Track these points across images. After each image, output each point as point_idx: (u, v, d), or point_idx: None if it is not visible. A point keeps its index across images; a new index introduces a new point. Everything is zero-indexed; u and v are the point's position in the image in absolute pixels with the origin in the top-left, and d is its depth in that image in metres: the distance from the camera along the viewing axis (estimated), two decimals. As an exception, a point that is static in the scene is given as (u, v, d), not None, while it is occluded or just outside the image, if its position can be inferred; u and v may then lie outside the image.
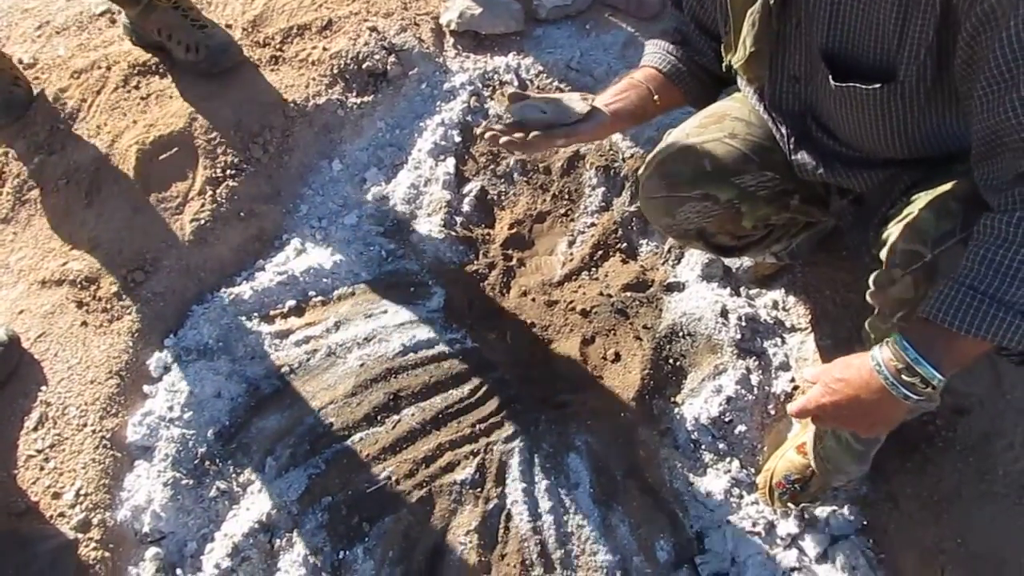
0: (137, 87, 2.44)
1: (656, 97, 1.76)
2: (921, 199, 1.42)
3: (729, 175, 1.74)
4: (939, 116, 1.40)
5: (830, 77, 1.42)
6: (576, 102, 1.61)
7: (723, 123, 1.78)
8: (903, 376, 1.30)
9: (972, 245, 1.23)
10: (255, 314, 2.17)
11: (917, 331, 1.29)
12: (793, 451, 1.96)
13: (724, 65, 1.64)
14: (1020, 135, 1.16)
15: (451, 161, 2.46)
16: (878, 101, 1.40)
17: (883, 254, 1.45)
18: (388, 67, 2.55)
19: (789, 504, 1.96)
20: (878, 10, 1.31)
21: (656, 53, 1.81)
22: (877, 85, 1.37)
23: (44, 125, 2.43)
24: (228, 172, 2.32)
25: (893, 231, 1.44)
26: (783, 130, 1.64)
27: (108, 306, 2.14)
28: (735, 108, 1.81)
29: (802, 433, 1.98)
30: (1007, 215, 1.18)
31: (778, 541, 1.92)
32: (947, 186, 1.39)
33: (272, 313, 2.18)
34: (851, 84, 1.40)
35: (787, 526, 1.94)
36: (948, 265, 1.31)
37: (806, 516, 1.95)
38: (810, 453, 1.90)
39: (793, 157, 1.65)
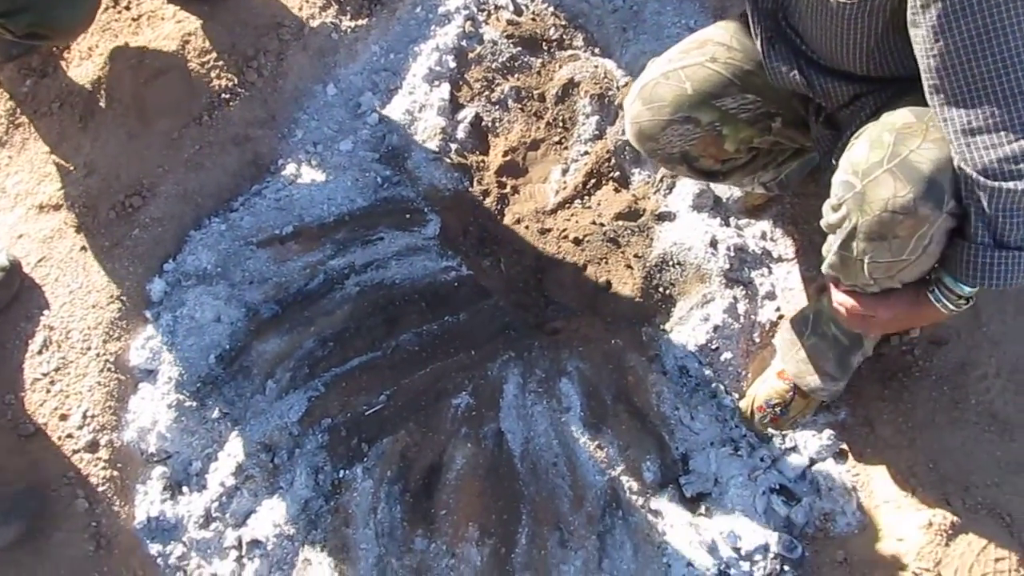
0: (128, 7, 2.40)
1: None
2: (864, 130, 1.46)
3: (710, 98, 1.78)
4: (904, 41, 1.41)
5: None
6: None
7: (704, 48, 1.81)
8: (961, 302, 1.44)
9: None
10: (252, 239, 2.19)
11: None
12: (775, 377, 2.04)
13: None
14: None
15: (446, 87, 2.45)
16: (843, 16, 1.42)
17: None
18: (382, -11, 2.52)
19: (770, 428, 2.05)
20: None
21: None
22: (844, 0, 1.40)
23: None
24: (223, 96, 2.31)
25: (840, 161, 1.49)
26: (758, 30, 1.67)
27: (107, 231, 2.15)
28: (718, 34, 1.84)
29: (783, 360, 2.05)
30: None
31: (759, 463, 2.01)
32: (889, 116, 1.43)
33: (269, 238, 2.20)
34: None
35: (768, 449, 2.03)
36: (874, 195, 1.36)
37: (786, 439, 2.04)
38: (788, 372, 1.98)
39: (767, 60, 1.68)
